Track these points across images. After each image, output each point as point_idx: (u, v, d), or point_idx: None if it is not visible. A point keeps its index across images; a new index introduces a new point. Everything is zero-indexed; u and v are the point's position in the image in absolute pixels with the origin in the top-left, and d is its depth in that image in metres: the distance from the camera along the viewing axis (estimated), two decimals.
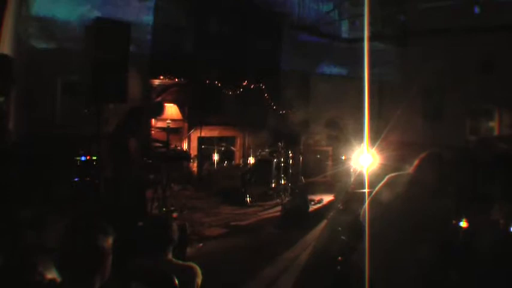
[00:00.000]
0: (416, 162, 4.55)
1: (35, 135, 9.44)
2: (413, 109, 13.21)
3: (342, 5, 15.74)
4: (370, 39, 9.65)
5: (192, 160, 12.25)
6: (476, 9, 12.08)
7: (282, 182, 12.12)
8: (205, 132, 13.13)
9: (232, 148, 14.05)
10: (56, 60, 10.78)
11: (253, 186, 11.83)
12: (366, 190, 5.60)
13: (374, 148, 8.05)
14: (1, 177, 4.53)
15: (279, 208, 10.38)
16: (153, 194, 9.14)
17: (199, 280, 3.98)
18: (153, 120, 11.80)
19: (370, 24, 10.36)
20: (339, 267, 5.57)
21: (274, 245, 8.10)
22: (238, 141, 14.34)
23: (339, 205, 8.64)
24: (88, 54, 7.75)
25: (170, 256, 4.08)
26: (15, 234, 4.69)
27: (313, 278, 6.81)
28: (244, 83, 13.69)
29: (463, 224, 4.59)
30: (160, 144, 9.63)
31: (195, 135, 13.22)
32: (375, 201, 4.46)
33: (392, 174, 4.62)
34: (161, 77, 12.70)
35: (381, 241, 4.18)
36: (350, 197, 8.02)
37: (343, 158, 10.89)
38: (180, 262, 4.11)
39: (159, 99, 12.48)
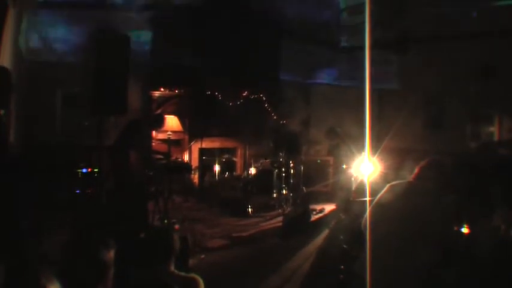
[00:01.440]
0: (416, 170, 4.55)
1: (35, 148, 9.45)
2: (414, 116, 13.21)
3: (341, 14, 15.79)
4: (370, 46, 9.64)
5: (193, 171, 12.26)
6: (475, 14, 12.13)
7: (284, 192, 12.10)
8: (206, 144, 13.14)
9: (234, 159, 14.06)
10: (56, 72, 10.82)
11: (254, 196, 11.83)
12: (367, 199, 5.59)
13: (375, 156, 8.04)
14: (2, 189, 4.53)
15: (280, 218, 10.38)
16: (155, 206, 9.13)
17: None
18: (153, 132, 11.81)
19: (370, 31, 10.36)
20: (341, 276, 5.56)
21: (276, 255, 8.09)
22: (239, 152, 14.34)
23: (341, 214, 8.63)
24: (88, 66, 7.77)
25: (172, 268, 4.07)
26: (17, 246, 4.68)
27: (315, 287, 6.80)
28: (245, 94, 13.71)
29: (465, 230, 4.59)
30: (161, 156, 9.65)
31: (196, 146, 13.23)
32: (376, 209, 4.46)
33: (393, 183, 4.62)
34: (161, 89, 12.74)
35: (382, 249, 4.17)
36: (351, 205, 8.01)
37: (344, 167, 10.87)
38: (182, 274, 4.10)
39: (159, 111, 12.51)
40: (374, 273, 4.11)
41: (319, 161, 13.56)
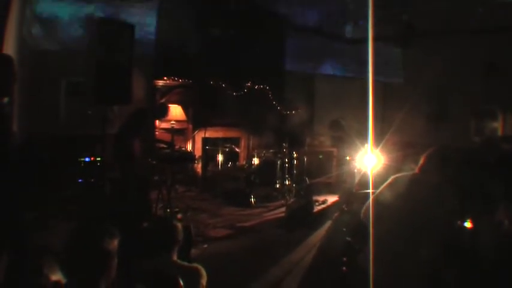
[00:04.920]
0: (422, 159, 4.55)
1: (38, 137, 9.46)
2: (418, 110, 13.16)
3: (345, 6, 15.74)
4: (374, 39, 9.61)
5: (196, 161, 12.24)
6: (480, 10, 12.06)
7: (287, 182, 12.11)
8: (210, 133, 13.13)
9: (237, 149, 14.04)
10: (60, 61, 10.82)
11: (257, 187, 11.84)
12: (370, 191, 5.59)
13: (378, 149, 8.04)
14: (5, 178, 4.53)
15: (283, 209, 10.38)
16: (158, 195, 9.15)
17: (204, 281, 3.98)
18: (157, 121, 11.81)
19: (374, 24, 10.32)
20: (343, 268, 5.56)
21: (279, 246, 8.08)
22: (243, 142, 14.33)
23: (344, 206, 8.64)
24: (92, 56, 7.75)
25: (175, 257, 4.08)
26: (20, 236, 4.69)
27: (317, 279, 6.81)
28: (248, 84, 13.69)
29: (468, 224, 4.58)
30: (165, 146, 9.65)
31: (199, 136, 13.22)
32: (378, 201, 4.46)
33: (397, 175, 4.61)
34: (165, 78, 12.72)
35: (385, 242, 4.18)
36: (354, 197, 8.01)
37: (348, 158, 10.87)
38: (185, 263, 4.12)
39: (163, 100, 12.50)
40: (376, 266, 4.12)
41: (321, 156, 13.52)
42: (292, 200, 11.04)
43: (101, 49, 7.68)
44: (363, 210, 4.60)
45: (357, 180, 9.43)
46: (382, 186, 4.58)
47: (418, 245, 4.11)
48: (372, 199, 4.52)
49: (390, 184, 4.53)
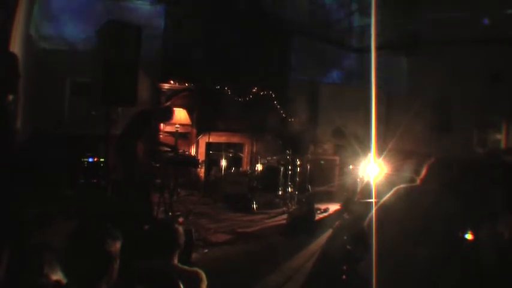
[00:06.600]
0: (424, 170, 4.55)
1: (42, 135, 9.48)
2: (421, 119, 13.15)
3: (352, 14, 15.76)
4: (379, 48, 9.63)
5: (199, 165, 12.25)
6: (486, 21, 12.07)
7: (289, 190, 12.08)
8: (214, 138, 13.16)
9: (240, 154, 14.04)
10: (66, 61, 10.85)
11: (260, 193, 11.83)
12: (373, 200, 5.59)
13: (381, 158, 8.03)
14: (7, 176, 4.53)
15: (285, 216, 10.37)
16: (160, 199, 9.15)
17: (204, 286, 3.98)
18: (161, 124, 11.83)
19: (379, 33, 10.35)
20: (344, 277, 5.55)
21: (280, 253, 8.07)
22: (246, 148, 14.33)
23: (345, 214, 8.62)
24: (98, 56, 7.76)
25: (176, 261, 4.08)
26: (21, 234, 4.69)
27: (318, 286, 6.80)
28: (254, 90, 13.71)
29: (469, 236, 4.57)
30: (168, 149, 9.65)
31: (203, 140, 13.24)
32: (381, 212, 4.46)
33: (400, 186, 4.61)
34: (171, 82, 12.76)
35: (387, 252, 4.17)
36: (356, 206, 8.00)
37: (351, 167, 10.85)
38: (186, 267, 4.11)
39: (168, 103, 12.52)
40: (378, 275, 4.11)
41: (322, 162, 13.50)
42: (294, 207, 11.04)
43: (108, 50, 7.69)
44: (366, 221, 4.60)
45: (359, 189, 9.41)
46: (385, 197, 4.58)
47: (419, 256, 4.11)
48: (375, 209, 4.52)
49: (393, 195, 4.53)
